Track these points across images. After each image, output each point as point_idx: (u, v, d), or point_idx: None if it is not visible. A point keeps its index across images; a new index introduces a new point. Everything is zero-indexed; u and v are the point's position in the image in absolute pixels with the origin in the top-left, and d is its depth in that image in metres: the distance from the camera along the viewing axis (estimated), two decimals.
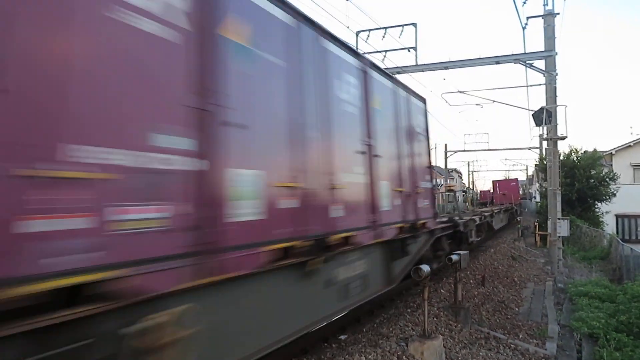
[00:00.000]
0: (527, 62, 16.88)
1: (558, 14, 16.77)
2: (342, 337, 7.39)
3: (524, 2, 17.71)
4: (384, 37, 18.45)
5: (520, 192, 56.59)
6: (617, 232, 29.24)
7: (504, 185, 48.87)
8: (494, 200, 46.45)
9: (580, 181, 26.65)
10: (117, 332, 2.94)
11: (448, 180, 57.59)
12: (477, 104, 21.34)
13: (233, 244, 3.82)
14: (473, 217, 15.06)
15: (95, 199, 2.74)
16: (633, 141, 33.54)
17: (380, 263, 7.29)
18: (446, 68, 18.28)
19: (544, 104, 16.59)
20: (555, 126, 16.36)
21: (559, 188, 17.34)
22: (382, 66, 16.93)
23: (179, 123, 3.38)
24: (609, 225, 29.77)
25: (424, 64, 18.45)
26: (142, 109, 3.13)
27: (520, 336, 8.58)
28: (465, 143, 45.30)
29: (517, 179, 55.49)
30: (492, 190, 53.07)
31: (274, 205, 4.44)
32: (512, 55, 17.07)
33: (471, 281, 12.59)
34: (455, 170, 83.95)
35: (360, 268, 6.52)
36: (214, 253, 3.58)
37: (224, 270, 3.69)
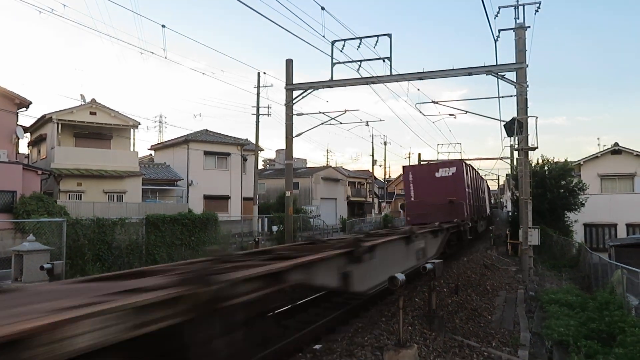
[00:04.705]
0: (498, 73, 17.22)
1: (529, 27, 17.18)
2: (317, 346, 7.32)
3: (496, 15, 18.10)
4: (359, 47, 18.60)
5: (492, 201, 57.19)
6: (586, 241, 29.91)
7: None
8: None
9: (551, 191, 27.20)
10: None
11: None
12: (450, 114, 21.60)
13: None
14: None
15: None
16: (600, 152, 34.41)
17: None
18: (420, 79, 18.50)
19: (515, 115, 16.92)
20: (527, 137, 16.70)
21: (530, 198, 17.65)
22: (359, 76, 17.42)
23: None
24: (578, 234, 30.44)
25: (399, 74, 18.65)
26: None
27: (493, 344, 8.65)
28: (438, 153, 45.55)
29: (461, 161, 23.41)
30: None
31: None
32: (485, 67, 17.38)
33: (445, 290, 12.66)
34: None
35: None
36: None
37: None
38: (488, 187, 47.78)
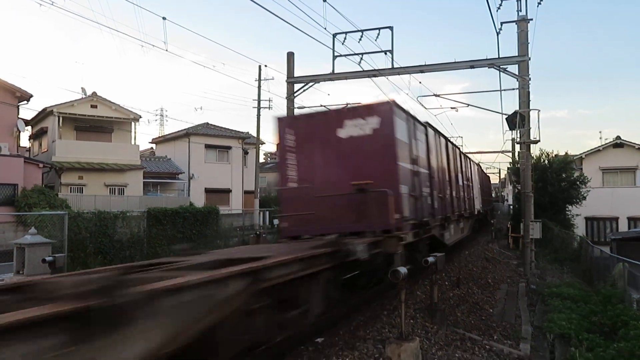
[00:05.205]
0: (501, 66, 17.12)
1: (531, 19, 17.06)
2: (319, 339, 7.33)
3: (498, 8, 17.99)
4: (360, 39, 18.49)
5: (493, 194, 56.67)
6: (587, 234, 29.93)
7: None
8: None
9: (553, 184, 27.15)
10: None
11: None
12: (452, 108, 21.56)
13: None
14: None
15: None
16: (602, 145, 34.36)
17: None
18: (422, 71, 18.41)
19: (517, 108, 16.85)
20: (528, 130, 16.63)
21: (532, 191, 17.62)
22: (360, 69, 17.32)
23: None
24: (579, 228, 30.43)
25: (400, 67, 18.56)
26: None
27: (495, 337, 8.66)
28: None
29: (391, 105, 9.49)
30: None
31: None
32: (487, 59, 17.29)
33: (446, 283, 12.67)
34: None
35: None
36: None
37: None
38: (486, 176, 36.72)
